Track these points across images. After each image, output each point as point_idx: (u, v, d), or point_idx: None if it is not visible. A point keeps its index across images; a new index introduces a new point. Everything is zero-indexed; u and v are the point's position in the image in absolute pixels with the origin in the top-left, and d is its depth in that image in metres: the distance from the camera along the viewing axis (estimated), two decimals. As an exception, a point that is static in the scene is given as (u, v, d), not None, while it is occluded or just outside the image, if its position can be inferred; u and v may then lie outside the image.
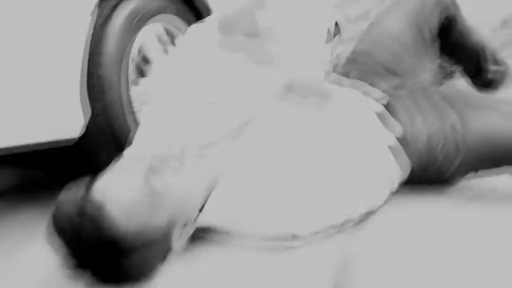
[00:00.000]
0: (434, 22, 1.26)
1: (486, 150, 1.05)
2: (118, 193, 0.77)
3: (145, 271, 0.80)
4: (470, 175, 1.13)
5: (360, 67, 1.28)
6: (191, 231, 0.90)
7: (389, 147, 1.07)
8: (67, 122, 1.08)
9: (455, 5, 1.30)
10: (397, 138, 1.09)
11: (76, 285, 0.78)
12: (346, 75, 1.31)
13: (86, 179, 0.82)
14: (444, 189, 1.15)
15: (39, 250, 0.99)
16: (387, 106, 1.15)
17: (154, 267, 0.81)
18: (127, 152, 0.88)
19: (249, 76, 1.24)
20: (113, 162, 0.86)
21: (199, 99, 1.09)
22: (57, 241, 0.77)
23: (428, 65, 1.33)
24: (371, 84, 1.23)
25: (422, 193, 1.12)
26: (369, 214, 0.97)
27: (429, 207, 1.05)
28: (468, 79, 1.51)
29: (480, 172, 1.12)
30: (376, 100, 1.16)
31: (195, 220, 0.89)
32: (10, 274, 0.87)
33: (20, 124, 0.99)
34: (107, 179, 0.80)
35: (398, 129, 1.10)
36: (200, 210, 0.90)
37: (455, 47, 1.36)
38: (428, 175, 1.11)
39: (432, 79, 1.32)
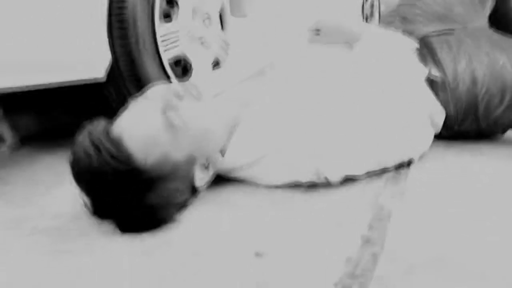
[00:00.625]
0: None
1: None
2: (135, 127, 0.74)
3: (168, 210, 0.77)
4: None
5: (407, 12, 1.25)
6: (213, 173, 0.87)
7: (428, 83, 1.02)
8: (91, 62, 1.04)
9: None
10: (436, 79, 1.05)
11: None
12: (390, 23, 1.28)
13: (104, 119, 0.79)
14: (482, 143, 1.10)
15: (66, 193, 0.99)
16: (429, 49, 1.12)
17: (176, 207, 0.79)
18: (146, 90, 0.84)
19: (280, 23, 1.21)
20: (130, 102, 0.82)
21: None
22: (77, 182, 0.75)
23: (479, 16, 1.26)
24: (413, 31, 1.21)
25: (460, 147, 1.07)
26: (411, 159, 0.93)
27: (467, 162, 1.00)
28: None
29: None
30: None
31: (216, 162, 0.85)
32: (41, 217, 0.86)
33: (43, 62, 0.95)
34: (125, 116, 0.77)
35: (434, 70, 1.07)
36: (222, 154, 0.86)
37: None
38: (466, 123, 1.07)
39: (482, 27, 1.26)
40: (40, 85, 0.96)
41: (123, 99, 1.20)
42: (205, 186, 0.85)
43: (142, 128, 0.75)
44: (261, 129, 0.87)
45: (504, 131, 1.14)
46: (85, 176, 0.74)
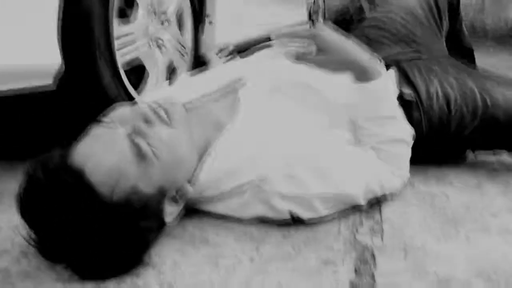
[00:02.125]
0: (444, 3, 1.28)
1: (504, 120, 1.06)
2: (100, 156, 0.66)
3: (136, 251, 0.69)
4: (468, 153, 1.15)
5: (372, 32, 1.25)
6: (183, 204, 0.79)
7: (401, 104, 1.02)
8: (38, 68, 0.90)
9: None
10: (410, 98, 1.06)
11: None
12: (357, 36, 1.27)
13: (59, 148, 0.69)
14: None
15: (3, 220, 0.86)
16: (400, 70, 1.13)
17: (145, 247, 0.71)
18: (106, 114, 0.74)
19: None
20: (89, 126, 0.72)
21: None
22: (26, 218, 0.64)
23: (439, 39, 1.30)
24: (379, 52, 1.20)
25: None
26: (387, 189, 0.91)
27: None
28: None
29: (477, 152, 1.16)
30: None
31: (187, 193, 0.78)
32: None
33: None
34: (86, 143, 0.68)
35: (407, 90, 1.07)
36: (189, 182, 0.79)
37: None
38: (436, 142, 1.09)
39: (444, 53, 1.30)
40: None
41: (75, 111, 1.07)
42: (175, 221, 0.78)
43: (107, 157, 0.66)
44: (236, 156, 0.80)
45: (472, 150, 1.17)
46: (38, 212, 0.64)
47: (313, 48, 0.85)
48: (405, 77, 1.13)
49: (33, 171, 0.66)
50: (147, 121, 0.72)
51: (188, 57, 1.47)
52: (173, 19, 1.38)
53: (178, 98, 0.91)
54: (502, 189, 1.03)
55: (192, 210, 0.85)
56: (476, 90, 1.08)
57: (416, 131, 1.00)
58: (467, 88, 1.08)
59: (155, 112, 0.74)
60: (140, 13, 1.20)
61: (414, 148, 1.04)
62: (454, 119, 1.06)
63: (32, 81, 0.89)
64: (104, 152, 0.66)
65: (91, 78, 1.03)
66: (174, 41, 1.39)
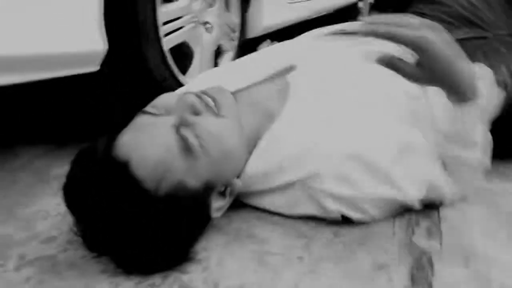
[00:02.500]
0: None
1: None
2: (145, 149, 0.63)
3: (181, 246, 0.67)
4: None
5: (428, 12, 1.14)
6: (231, 200, 0.77)
7: None
8: (84, 53, 0.89)
9: None
10: None
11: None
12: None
13: (106, 136, 0.68)
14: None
15: (52, 201, 0.87)
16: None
17: (191, 242, 0.69)
18: (155, 102, 0.72)
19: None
20: (135, 114, 0.71)
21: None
22: (72, 211, 0.64)
23: (508, 22, 1.18)
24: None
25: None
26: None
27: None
28: None
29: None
30: None
31: (235, 188, 0.75)
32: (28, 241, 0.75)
33: (30, 58, 0.80)
34: (132, 135, 0.66)
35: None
36: (238, 176, 0.76)
37: None
38: (502, 134, 0.98)
39: None
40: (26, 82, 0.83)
41: (121, 94, 1.06)
42: (221, 214, 0.76)
43: (153, 150, 0.64)
44: (286, 150, 0.76)
45: None
46: (82, 204, 0.64)
47: (411, 57, 0.68)
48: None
49: (79, 160, 0.66)
50: (194, 111, 0.69)
51: (236, 41, 1.43)
52: (220, 1, 1.33)
53: (227, 84, 0.87)
54: None
55: (238, 202, 0.82)
56: None
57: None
58: None
59: (203, 101, 0.71)
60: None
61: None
62: None
63: (77, 69, 0.88)
64: (150, 145, 0.64)
65: (136, 61, 1.02)
66: (222, 23, 1.35)
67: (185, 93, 0.72)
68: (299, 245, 0.73)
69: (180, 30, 1.15)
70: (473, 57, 1.02)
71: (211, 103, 0.72)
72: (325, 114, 0.78)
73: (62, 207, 0.69)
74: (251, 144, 0.78)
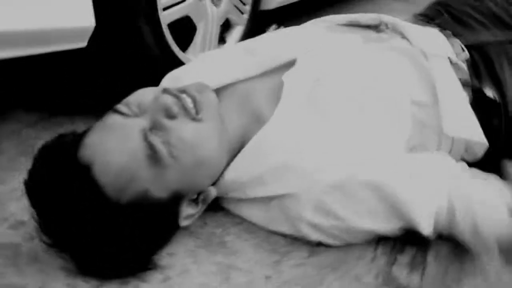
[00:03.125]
0: None
1: None
2: (110, 154, 0.60)
3: (140, 254, 0.65)
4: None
5: (458, 8, 1.03)
6: (203, 208, 0.73)
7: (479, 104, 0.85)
8: (72, 28, 0.84)
9: None
10: (492, 97, 0.88)
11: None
12: (434, 17, 1.06)
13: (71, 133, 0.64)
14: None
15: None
16: (485, 61, 0.92)
17: (151, 250, 0.66)
18: (129, 98, 0.67)
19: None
20: (107, 112, 0.66)
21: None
22: (33, 206, 0.61)
23: None
24: (462, 34, 0.99)
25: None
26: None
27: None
28: None
29: None
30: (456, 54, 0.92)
31: (209, 197, 0.71)
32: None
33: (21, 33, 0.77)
34: (98, 136, 0.62)
35: (489, 90, 0.89)
36: (214, 184, 0.72)
37: None
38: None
39: None
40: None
41: (108, 76, 1.01)
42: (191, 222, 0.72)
43: (117, 156, 0.60)
44: (268, 161, 0.70)
45: None
46: (42, 201, 0.62)
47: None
48: (490, 69, 0.93)
49: (43, 156, 0.62)
50: (169, 114, 0.64)
51: (247, 14, 1.34)
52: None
53: (221, 73, 0.82)
54: None
55: (216, 204, 0.78)
56: None
57: (490, 140, 0.84)
58: None
59: (180, 102, 0.66)
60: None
61: (483, 161, 0.89)
62: None
63: (66, 44, 0.83)
64: (115, 150, 0.60)
65: (130, 36, 0.96)
66: (232, -6, 1.26)
67: (163, 91, 0.67)
68: (269, 262, 0.69)
69: (182, 3, 1.07)
70: (495, 64, 0.93)
71: (190, 104, 0.66)
72: (317, 126, 0.71)
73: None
74: (235, 148, 0.73)
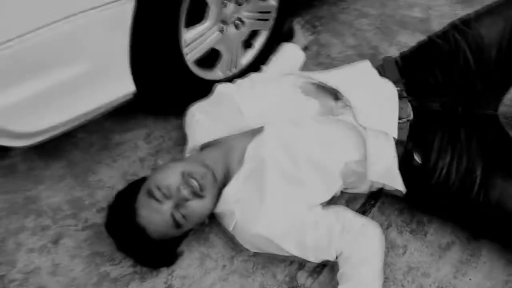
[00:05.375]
0: None
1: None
2: (155, 225, 1.13)
3: (163, 258, 1.25)
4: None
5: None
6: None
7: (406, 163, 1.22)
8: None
9: None
10: (417, 163, 1.23)
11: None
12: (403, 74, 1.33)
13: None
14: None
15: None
16: (421, 126, 1.25)
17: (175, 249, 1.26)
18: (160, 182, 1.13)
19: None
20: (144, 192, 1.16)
21: None
22: (108, 229, 1.21)
23: (497, 91, 1.29)
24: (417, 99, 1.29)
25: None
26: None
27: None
28: None
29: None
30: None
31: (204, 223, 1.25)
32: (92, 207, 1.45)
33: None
34: (145, 213, 1.13)
35: (417, 156, 1.22)
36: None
37: None
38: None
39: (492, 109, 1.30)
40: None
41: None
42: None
43: (158, 226, 1.14)
44: (230, 205, 1.19)
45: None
46: (115, 231, 1.21)
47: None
48: (424, 135, 1.23)
49: (115, 211, 1.19)
50: (185, 198, 1.12)
51: (272, 20, 1.63)
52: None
53: (217, 130, 1.28)
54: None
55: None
56: (477, 182, 1.16)
57: (409, 188, 1.22)
58: (471, 176, 1.17)
59: (192, 190, 1.12)
60: (212, 9, 1.39)
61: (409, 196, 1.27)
62: (444, 202, 1.21)
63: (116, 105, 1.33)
64: (156, 222, 1.13)
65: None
66: (253, 13, 1.54)
67: (182, 177, 1.14)
68: (229, 256, 1.25)
69: (205, 43, 1.44)
70: (430, 133, 1.22)
71: (197, 187, 1.14)
72: (259, 191, 1.15)
73: (113, 180, 1.31)
74: (223, 183, 1.22)
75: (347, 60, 1.84)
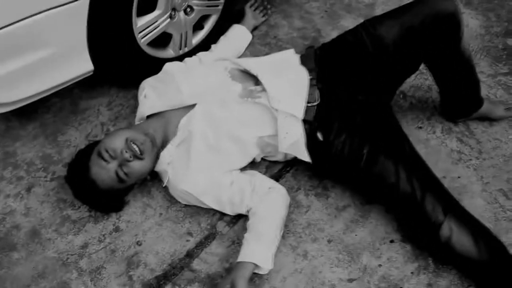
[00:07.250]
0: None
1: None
2: (102, 180, 1.46)
3: (110, 204, 1.60)
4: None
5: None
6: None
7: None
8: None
9: None
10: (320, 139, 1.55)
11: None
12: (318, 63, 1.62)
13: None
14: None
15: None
16: (326, 110, 1.55)
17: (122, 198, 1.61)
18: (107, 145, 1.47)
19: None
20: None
21: None
22: (67, 174, 1.55)
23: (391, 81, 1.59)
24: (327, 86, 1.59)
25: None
26: None
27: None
28: None
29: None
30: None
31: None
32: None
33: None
34: (94, 170, 1.46)
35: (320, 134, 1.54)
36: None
37: None
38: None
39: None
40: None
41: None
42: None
43: (105, 180, 1.47)
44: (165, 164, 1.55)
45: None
46: (73, 182, 1.56)
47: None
48: (328, 117, 1.54)
49: (74, 166, 1.53)
50: (127, 160, 1.45)
51: (220, 6, 1.89)
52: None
53: (161, 104, 1.60)
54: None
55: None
56: (364, 158, 1.48)
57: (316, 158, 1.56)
58: (360, 153, 1.48)
59: (132, 153, 1.44)
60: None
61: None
62: (340, 171, 1.55)
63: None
64: (103, 177, 1.45)
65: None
66: (203, 1, 1.81)
67: (124, 147, 1.46)
68: (179, 207, 1.61)
69: (157, 28, 1.72)
70: (332, 117, 1.54)
71: (137, 151, 1.46)
72: (187, 156, 1.50)
73: (77, 141, 1.68)
74: (162, 147, 1.56)
75: (291, 42, 2.10)
